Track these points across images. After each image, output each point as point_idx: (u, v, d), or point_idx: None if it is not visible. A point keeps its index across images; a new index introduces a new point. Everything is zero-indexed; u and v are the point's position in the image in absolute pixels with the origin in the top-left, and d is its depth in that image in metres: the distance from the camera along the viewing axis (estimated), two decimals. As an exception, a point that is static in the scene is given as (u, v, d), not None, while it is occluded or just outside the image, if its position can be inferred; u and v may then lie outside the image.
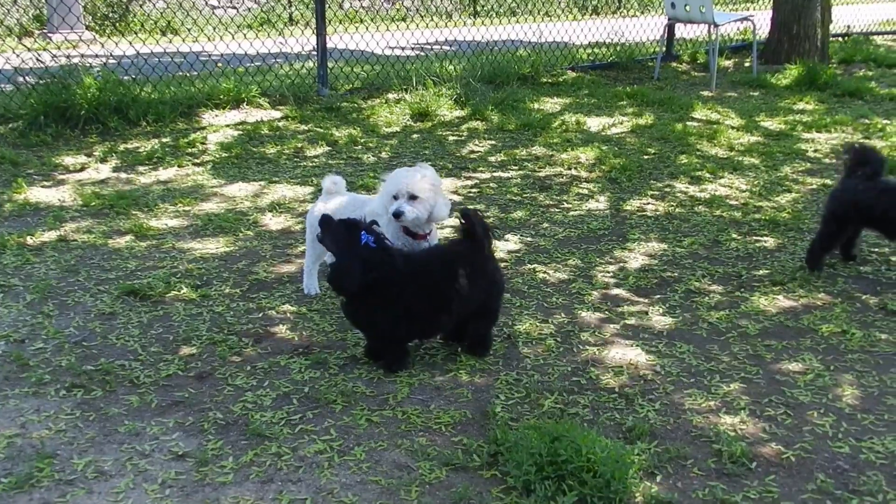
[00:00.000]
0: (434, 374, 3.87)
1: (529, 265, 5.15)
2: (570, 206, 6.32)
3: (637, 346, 4.16)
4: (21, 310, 4.42)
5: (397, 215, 4.09)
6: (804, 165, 7.38)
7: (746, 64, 12.41)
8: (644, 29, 13.51)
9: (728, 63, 12.75)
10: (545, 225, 5.87)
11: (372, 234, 3.72)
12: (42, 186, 6.43)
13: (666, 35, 12.40)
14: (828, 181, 6.85)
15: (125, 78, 8.28)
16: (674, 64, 12.40)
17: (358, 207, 4.50)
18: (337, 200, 4.60)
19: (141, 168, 6.98)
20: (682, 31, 13.49)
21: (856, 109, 9.55)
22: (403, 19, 17.20)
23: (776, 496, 3.02)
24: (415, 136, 8.28)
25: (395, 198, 4.13)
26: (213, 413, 3.52)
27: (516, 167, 7.31)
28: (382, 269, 3.66)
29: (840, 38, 14.53)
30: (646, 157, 7.59)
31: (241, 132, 8.03)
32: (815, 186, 6.76)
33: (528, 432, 3.20)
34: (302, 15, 16.65)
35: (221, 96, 8.67)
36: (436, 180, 4.23)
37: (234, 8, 17.61)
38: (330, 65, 9.69)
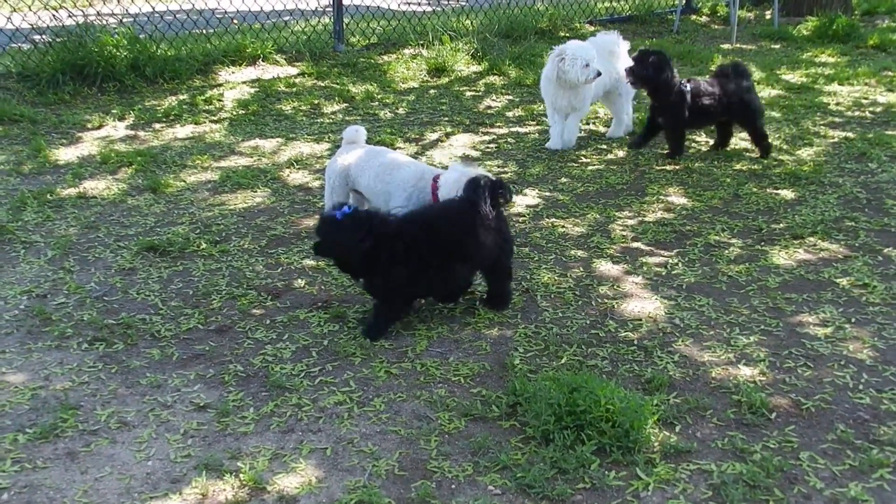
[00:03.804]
0: (453, 328, 3.88)
1: (548, 219, 5.13)
2: (588, 160, 6.27)
3: (656, 299, 4.15)
4: (42, 265, 4.46)
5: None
6: (826, 118, 7.29)
7: (767, 16, 12.22)
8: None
9: (749, 15, 12.56)
10: (563, 180, 5.84)
11: (347, 206, 3.72)
12: (61, 144, 6.45)
13: (686, -13, 12.23)
14: (850, 134, 6.77)
15: (142, 35, 8.25)
16: (693, 17, 12.23)
17: (372, 158, 4.55)
18: (356, 152, 4.63)
19: (158, 125, 6.98)
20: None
21: (879, 62, 9.40)
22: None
23: (796, 446, 3.02)
24: (431, 91, 8.23)
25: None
26: (234, 365, 3.55)
27: (534, 122, 7.25)
28: (371, 228, 3.66)
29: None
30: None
31: (257, 89, 8.00)
32: (836, 140, 6.67)
33: (547, 383, 3.21)
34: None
35: (238, 53, 8.64)
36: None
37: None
38: (346, 20, 9.61)
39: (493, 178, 3.91)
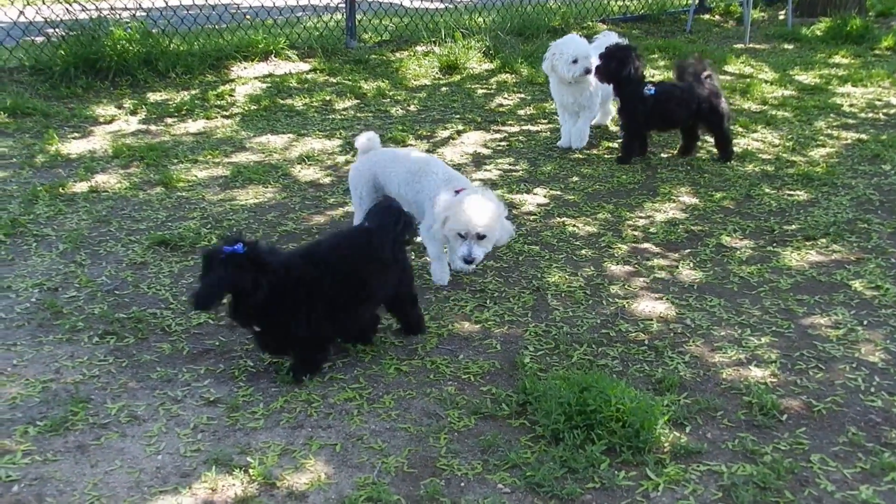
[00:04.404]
0: (463, 326, 3.87)
1: (558, 218, 5.12)
2: (599, 159, 6.26)
3: (667, 299, 4.13)
4: (54, 259, 4.47)
5: (469, 261, 3.89)
6: (839, 120, 7.25)
7: (781, 16, 12.17)
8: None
9: (762, 15, 12.51)
10: (574, 178, 5.83)
11: (239, 243, 3.18)
12: (73, 138, 6.46)
13: (699, -13, 12.19)
14: (863, 136, 6.73)
15: (154, 30, 8.27)
16: (707, 16, 12.19)
17: (391, 161, 4.41)
18: (381, 155, 4.50)
19: (170, 120, 6.99)
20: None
21: (893, 63, 9.35)
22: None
23: (807, 448, 3.01)
24: (443, 89, 8.22)
25: (461, 235, 3.88)
26: (244, 361, 3.55)
27: (545, 120, 7.24)
28: (252, 272, 3.15)
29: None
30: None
31: (269, 84, 8.01)
32: (849, 141, 6.64)
33: (557, 382, 3.20)
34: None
35: (250, 48, 8.64)
36: (500, 209, 3.97)
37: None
38: (358, 17, 9.61)
39: (405, 212, 3.60)
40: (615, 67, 5.89)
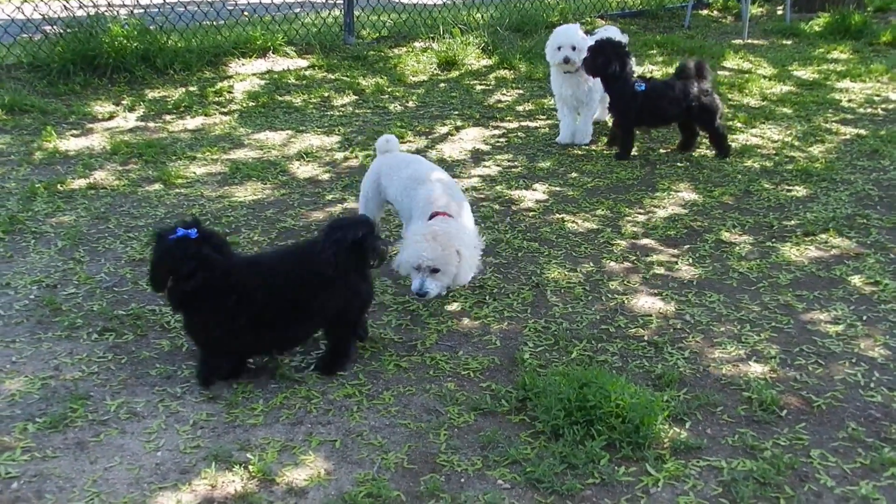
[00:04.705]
0: (462, 322, 3.87)
1: (557, 214, 5.12)
2: (598, 155, 6.26)
3: (666, 295, 4.13)
4: (53, 256, 4.46)
5: (421, 295, 3.79)
6: (837, 115, 7.25)
7: (779, 12, 12.17)
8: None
9: (760, 11, 12.51)
10: (573, 174, 5.83)
11: (195, 228, 3.17)
12: (71, 135, 6.45)
13: (698, -17, 12.18)
14: (862, 131, 6.73)
15: (152, 27, 8.25)
16: (705, 12, 12.18)
17: (396, 166, 4.32)
18: (389, 158, 4.44)
19: (168, 117, 6.98)
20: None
21: (891, 59, 9.34)
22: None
23: (807, 443, 3.01)
24: (442, 85, 8.22)
25: (417, 269, 3.77)
26: (243, 357, 3.54)
27: (544, 116, 7.23)
28: (193, 260, 3.12)
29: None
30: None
31: (267, 81, 8.00)
32: (848, 136, 6.64)
33: (557, 378, 3.20)
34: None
35: (248, 45, 8.63)
36: (465, 242, 3.82)
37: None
38: (356, 13, 9.60)
39: (370, 236, 3.30)
40: (602, 63, 5.90)
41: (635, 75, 6.04)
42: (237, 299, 3.20)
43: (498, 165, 6.00)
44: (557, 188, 5.55)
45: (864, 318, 3.90)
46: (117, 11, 8.72)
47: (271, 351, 3.49)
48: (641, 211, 5.17)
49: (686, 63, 6.12)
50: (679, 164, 6.04)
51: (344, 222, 3.34)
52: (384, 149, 4.49)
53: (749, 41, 10.43)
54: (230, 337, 3.26)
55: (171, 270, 3.16)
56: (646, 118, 6.07)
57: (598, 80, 6.13)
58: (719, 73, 8.64)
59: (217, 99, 7.44)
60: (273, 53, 8.71)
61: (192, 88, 7.65)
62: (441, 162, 5.87)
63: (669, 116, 6.07)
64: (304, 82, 8.05)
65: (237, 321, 3.22)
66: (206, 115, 7.03)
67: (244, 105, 7.33)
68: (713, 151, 6.21)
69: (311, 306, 3.30)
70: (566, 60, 6.12)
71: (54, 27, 7.94)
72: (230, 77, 8.06)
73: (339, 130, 6.71)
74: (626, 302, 4.06)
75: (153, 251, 3.22)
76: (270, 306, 3.24)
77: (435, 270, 3.74)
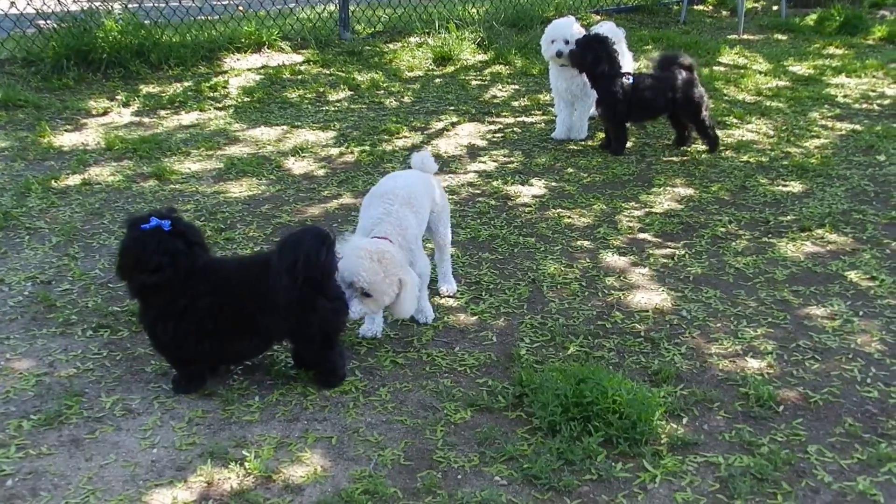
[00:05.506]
0: (459, 318, 3.86)
1: (554, 210, 5.11)
2: (594, 150, 6.25)
3: (663, 290, 4.13)
4: (47, 252, 4.44)
5: None
6: (833, 111, 7.25)
7: (775, 7, 12.15)
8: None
9: (756, 6, 12.49)
10: (570, 170, 5.82)
11: (168, 220, 3.07)
12: (66, 130, 6.42)
13: (693, -22, 12.16)
14: (857, 127, 6.73)
15: (147, 21, 8.21)
16: (700, 7, 12.16)
17: (387, 179, 3.88)
18: (393, 175, 3.95)
19: (163, 112, 6.95)
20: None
21: (887, 54, 9.35)
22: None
23: (803, 439, 3.01)
24: (437, 80, 8.20)
25: (350, 286, 3.35)
26: (239, 354, 3.53)
27: (540, 112, 7.22)
28: (159, 255, 3.02)
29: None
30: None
31: (262, 76, 7.97)
32: (843, 132, 6.64)
33: (554, 374, 3.20)
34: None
35: (243, 40, 8.59)
36: (405, 268, 3.44)
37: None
38: (351, 7, 9.56)
39: (327, 253, 3.07)
40: (590, 60, 5.89)
41: (622, 70, 6.03)
42: (185, 304, 3.08)
43: (494, 161, 5.99)
44: (554, 184, 5.55)
45: (861, 313, 3.90)
46: (111, 6, 8.68)
47: (218, 362, 3.34)
48: (638, 206, 5.17)
49: (666, 54, 6.17)
50: (675, 159, 6.04)
51: (297, 239, 3.07)
52: (419, 167, 3.99)
53: (744, 36, 10.43)
54: (175, 340, 3.14)
55: (137, 261, 3.03)
56: (636, 112, 6.07)
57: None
58: (714, 68, 8.64)
59: (212, 94, 7.41)
60: (268, 48, 8.68)
61: (186, 83, 7.62)
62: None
63: (656, 108, 6.06)
64: (300, 77, 8.03)
65: (182, 325, 3.10)
66: (200, 111, 7.00)
67: (239, 100, 7.31)
68: (700, 152, 6.20)
69: (258, 324, 3.15)
70: (559, 54, 6.13)
71: (48, 22, 7.90)
72: (225, 72, 8.03)
73: (334, 126, 6.69)
74: (622, 298, 4.06)
75: (123, 238, 3.11)
76: (215, 316, 3.11)
77: (367, 295, 3.35)
